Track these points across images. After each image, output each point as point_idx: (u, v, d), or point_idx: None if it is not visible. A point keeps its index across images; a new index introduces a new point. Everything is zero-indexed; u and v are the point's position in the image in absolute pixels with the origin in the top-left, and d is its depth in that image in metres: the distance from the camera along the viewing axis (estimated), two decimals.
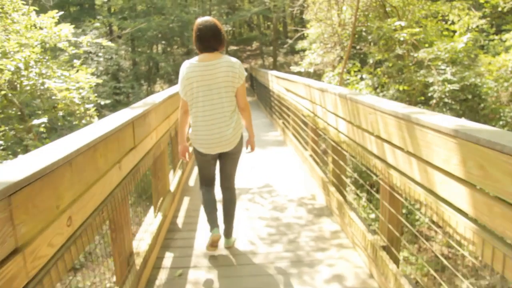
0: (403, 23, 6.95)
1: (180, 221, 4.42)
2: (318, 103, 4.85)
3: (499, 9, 9.21)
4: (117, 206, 2.45)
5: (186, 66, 3.16)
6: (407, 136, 2.37)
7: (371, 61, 7.57)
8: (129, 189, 2.73)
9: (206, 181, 3.56)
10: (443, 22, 9.44)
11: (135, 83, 14.43)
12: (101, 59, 14.70)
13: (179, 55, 23.64)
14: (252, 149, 3.58)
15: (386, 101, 2.91)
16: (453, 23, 9.36)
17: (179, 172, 5.46)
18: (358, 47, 8.92)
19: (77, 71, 7.00)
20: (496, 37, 10.23)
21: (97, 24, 15.08)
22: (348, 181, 4.33)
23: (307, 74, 10.97)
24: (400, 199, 2.80)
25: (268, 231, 4.06)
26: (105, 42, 8.23)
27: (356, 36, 8.55)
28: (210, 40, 3.13)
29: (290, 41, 33.07)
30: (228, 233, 3.66)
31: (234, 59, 3.20)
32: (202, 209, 4.31)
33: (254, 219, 4.40)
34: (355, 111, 3.36)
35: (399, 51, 7.07)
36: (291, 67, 9.43)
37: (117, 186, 2.48)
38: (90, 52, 14.76)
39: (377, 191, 4.00)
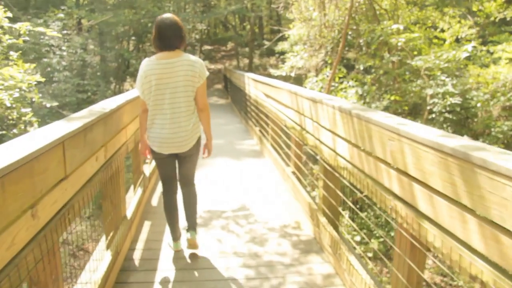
0: (401, 27, 6.32)
1: (137, 256, 3.58)
2: (307, 115, 4.11)
3: (492, 18, 8.74)
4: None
5: (145, 64, 3.06)
6: (461, 182, 1.64)
7: (360, 67, 6.88)
8: (55, 238, 1.91)
9: (164, 180, 3.47)
10: (432, 29, 8.89)
11: (101, 81, 13.35)
12: (65, 53, 13.59)
13: (151, 53, 22.59)
14: (209, 153, 3.46)
15: (415, 125, 2.17)
16: (442, 31, 8.83)
17: (139, 191, 4.64)
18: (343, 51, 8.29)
19: (15, 65, 5.96)
20: (484, 47, 9.77)
21: (61, 15, 13.95)
22: (346, 215, 3.59)
23: (284, 78, 10.26)
24: (432, 260, 2.07)
25: (245, 274, 3.27)
26: (49, 32, 6.99)
27: (340, 39, 7.89)
28: (170, 38, 3.05)
29: (267, 43, 32.45)
30: (192, 226, 3.51)
31: (194, 58, 3.10)
32: (165, 235, 3.93)
33: (228, 255, 3.60)
34: (364, 132, 2.61)
35: (393, 57, 6.43)
36: (270, 70, 8.70)
37: (32, 239, 1.66)
38: (52, 45, 13.62)
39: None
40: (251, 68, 23.60)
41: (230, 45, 34.69)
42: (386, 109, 6.14)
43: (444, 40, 8.42)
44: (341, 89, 6.88)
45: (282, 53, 12.67)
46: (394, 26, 6.27)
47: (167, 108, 3.04)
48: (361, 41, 7.04)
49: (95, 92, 12.85)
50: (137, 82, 3.13)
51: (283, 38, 10.56)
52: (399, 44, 6.24)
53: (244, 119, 10.62)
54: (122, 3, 15.33)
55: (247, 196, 5.13)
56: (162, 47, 3.07)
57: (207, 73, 3.17)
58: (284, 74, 8.21)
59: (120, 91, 19.10)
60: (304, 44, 7.90)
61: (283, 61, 28.86)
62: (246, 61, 29.63)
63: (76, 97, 12.63)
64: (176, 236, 3.58)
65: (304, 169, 4.99)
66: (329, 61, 7.77)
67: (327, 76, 7.56)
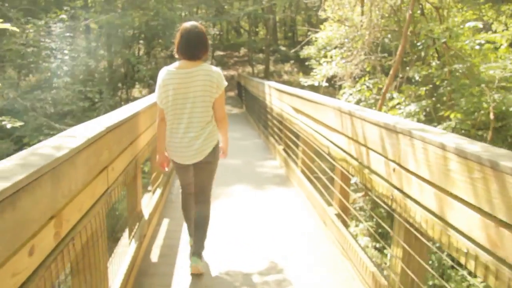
0: (480, 24, 5.06)
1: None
2: (375, 148, 2.82)
3: None
4: None
5: (164, 73, 3.09)
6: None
7: (416, 76, 5.55)
8: None
9: (183, 185, 3.53)
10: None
11: (104, 88, 12.18)
12: (66, 57, 12.47)
13: (161, 58, 21.47)
14: (225, 154, 3.42)
15: None
16: (494, 32, 7.48)
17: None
18: (374, 57, 6.96)
19: None
20: None
21: (63, 16, 12.84)
22: None
23: (310, 89, 9.00)
24: None
25: None
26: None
27: (378, 43, 6.58)
28: (196, 48, 3.06)
29: (283, 48, 31.30)
30: (197, 251, 3.33)
31: (213, 68, 3.10)
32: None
33: None
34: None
35: (457, 65, 5.12)
36: (300, 79, 7.41)
37: None
38: (53, 49, 12.50)
39: None
40: (267, 75, 22.37)
41: (243, 51, 33.61)
42: (453, 130, 4.86)
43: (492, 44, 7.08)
44: (394, 106, 5.55)
45: (303, 60, 11.40)
46: (470, 24, 4.97)
47: (184, 118, 3.05)
48: (419, 44, 5.73)
49: (98, 100, 11.67)
50: (156, 91, 3.17)
51: (306, 43, 9.24)
52: (477, 47, 4.96)
53: (263, 134, 9.34)
54: (130, 4, 14.16)
55: (277, 249, 3.84)
56: (186, 57, 3.07)
57: (226, 83, 3.12)
58: (316, 84, 6.95)
59: (128, 98, 17.97)
60: (340, 48, 6.62)
61: (303, 69, 27.42)
62: (260, 67, 28.45)
63: (77, 105, 11.48)
64: (192, 234, 3.59)
65: (356, 213, 3.70)
66: (368, 68, 6.49)
67: (368, 86, 6.27)
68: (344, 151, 3.55)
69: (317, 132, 4.45)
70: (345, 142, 3.52)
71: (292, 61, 29.07)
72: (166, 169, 3.40)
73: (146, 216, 3.91)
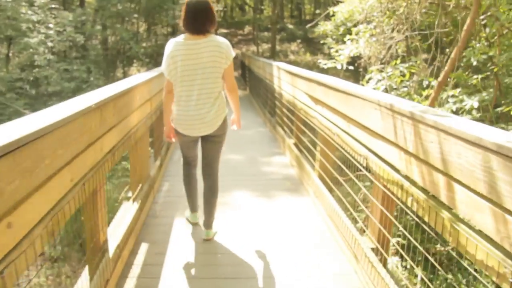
0: None
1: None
2: (459, 177, 1.67)
3: None
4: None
5: (172, 44, 3.04)
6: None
7: (474, 62, 4.30)
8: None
9: (187, 161, 3.50)
10: None
11: (93, 66, 10.96)
12: (51, 31, 11.25)
13: (162, 35, 20.15)
14: (238, 126, 3.48)
15: None
16: None
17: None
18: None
19: None
20: None
21: None
22: None
23: (326, 72, 7.77)
24: None
25: None
26: None
27: (415, 18, 5.34)
28: (204, 23, 2.99)
29: (291, 26, 29.81)
30: (207, 224, 3.50)
31: (221, 39, 3.07)
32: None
33: None
34: None
35: None
36: (319, 61, 6.19)
37: None
38: (36, 22, 11.27)
39: None
40: (273, 55, 21.03)
41: (247, 29, 32.22)
42: None
43: None
44: (448, 97, 4.32)
45: (310, 39, 10.14)
46: None
47: (193, 90, 3.03)
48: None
49: (85, 80, 10.48)
50: (162, 63, 3.09)
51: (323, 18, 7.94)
52: None
53: (270, 122, 8.18)
54: None
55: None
56: (193, 31, 3.01)
57: (234, 54, 3.10)
58: (339, 67, 5.73)
59: (125, 78, 16.75)
60: (368, 23, 5.38)
61: (310, 49, 25.97)
62: (265, 46, 27.08)
63: (62, 86, 10.30)
64: (194, 208, 3.69)
65: (403, 253, 2.58)
66: (400, 50, 5.28)
67: (401, 71, 5.06)
68: (395, 169, 2.41)
69: (347, 134, 3.29)
70: (397, 156, 2.37)
71: (299, 41, 27.72)
72: (173, 140, 3.35)
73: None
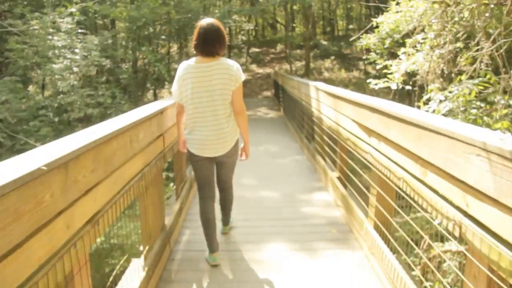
0: None
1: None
2: None
3: None
4: None
5: (183, 68, 3.14)
6: None
7: None
8: None
9: (201, 184, 3.42)
10: None
11: (118, 91, 10.42)
12: (78, 56, 10.83)
13: (195, 55, 19.68)
14: (247, 157, 3.46)
15: None
16: None
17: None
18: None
19: None
20: None
21: (73, 10, 11.21)
22: None
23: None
24: None
25: None
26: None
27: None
28: (214, 46, 3.07)
29: (325, 43, 28.98)
30: (225, 221, 3.94)
31: (231, 62, 3.15)
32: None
33: None
34: None
35: None
36: (372, 82, 5.27)
37: None
38: (62, 47, 10.89)
39: None
40: (307, 73, 20.20)
41: (279, 47, 31.63)
42: None
43: None
44: None
45: (344, 55, 9.21)
46: None
47: (206, 111, 3.08)
48: None
49: (109, 106, 9.93)
50: (174, 84, 3.20)
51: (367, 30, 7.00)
52: None
53: (307, 148, 7.28)
54: None
55: None
56: (204, 53, 3.08)
57: (244, 77, 3.17)
58: (394, 87, 4.79)
59: (155, 100, 16.25)
60: (426, 34, 4.45)
61: (345, 65, 25.00)
62: (298, 64, 26.33)
63: (86, 113, 9.78)
64: (213, 248, 3.41)
65: None
66: (465, 62, 4.30)
67: (470, 90, 4.09)
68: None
69: (422, 183, 2.38)
70: None
71: (332, 57, 26.83)
72: (185, 150, 3.39)
73: None
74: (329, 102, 5.13)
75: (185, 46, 21.56)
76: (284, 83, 12.78)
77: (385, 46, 6.05)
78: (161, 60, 12.49)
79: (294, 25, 33.39)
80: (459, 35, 4.07)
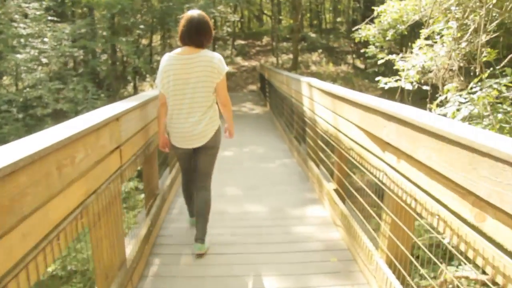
0: None
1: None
2: None
3: None
4: None
5: (166, 59, 3.16)
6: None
7: None
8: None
9: (184, 171, 3.62)
10: None
11: (91, 85, 9.52)
12: (47, 46, 9.91)
13: (178, 47, 18.76)
14: (230, 135, 3.54)
15: None
16: None
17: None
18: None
19: None
20: None
21: None
22: None
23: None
24: None
25: None
26: None
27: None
28: (200, 37, 3.12)
29: (313, 35, 28.22)
30: (199, 237, 3.38)
31: (214, 54, 3.17)
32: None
33: None
34: None
35: None
36: (382, 80, 4.55)
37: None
38: (30, 35, 9.95)
39: None
40: (295, 66, 19.44)
41: (266, 39, 30.78)
42: None
43: None
44: None
45: (331, 48, 8.51)
46: None
47: (184, 103, 3.12)
48: None
49: (80, 101, 9.06)
50: (157, 76, 3.23)
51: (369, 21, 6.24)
52: None
53: (297, 151, 6.56)
54: None
55: None
56: (189, 44, 3.11)
57: (227, 68, 3.19)
58: (410, 87, 4.08)
59: (133, 94, 15.35)
60: (447, 21, 3.74)
61: (332, 58, 24.31)
62: (285, 57, 25.55)
63: (54, 109, 8.90)
64: (192, 213, 3.82)
65: None
66: (489, 57, 3.62)
67: (497, 90, 3.41)
68: None
69: (473, 228, 1.67)
70: None
71: (320, 50, 26.11)
72: (167, 149, 3.45)
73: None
74: (325, 102, 4.40)
75: (168, 37, 20.63)
76: (270, 77, 12.04)
77: (387, 38, 5.34)
78: (139, 52, 11.58)
79: (280, 17, 32.61)
80: (487, 23, 3.36)
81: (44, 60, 9.77)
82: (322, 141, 4.92)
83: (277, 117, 10.24)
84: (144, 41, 20.22)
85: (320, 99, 4.68)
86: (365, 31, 5.72)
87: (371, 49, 5.86)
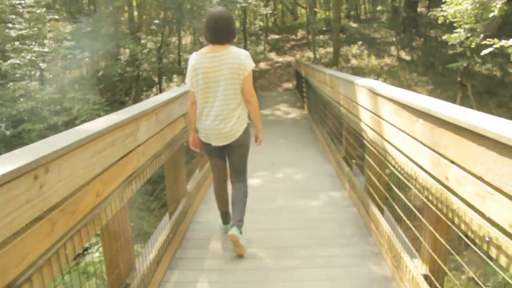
0: None
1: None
2: None
3: None
4: None
5: (194, 58, 3.20)
6: None
7: None
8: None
9: (214, 169, 3.58)
10: None
11: (92, 94, 7.95)
12: (46, 48, 8.46)
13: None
14: (259, 142, 3.47)
15: None
16: None
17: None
18: None
19: None
20: None
21: None
22: None
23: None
24: None
25: None
26: None
27: None
28: (223, 33, 3.14)
29: (354, 25, 25.97)
30: (235, 221, 3.30)
31: (240, 50, 3.20)
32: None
33: None
34: None
35: None
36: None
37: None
38: (26, 37, 8.56)
39: None
40: (337, 61, 17.45)
41: (300, 33, 28.77)
42: None
43: None
44: None
45: (372, 39, 6.58)
46: None
47: (213, 101, 3.14)
48: None
49: (79, 113, 7.53)
50: (187, 75, 3.26)
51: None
52: None
53: (349, 182, 4.70)
54: None
55: None
56: (213, 41, 3.14)
57: (253, 64, 3.20)
58: None
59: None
60: None
61: (374, 51, 22.09)
62: (322, 51, 23.48)
63: (48, 123, 7.40)
64: (226, 221, 3.75)
65: None
66: None
67: None
68: None
69: None
70: None
71: (359, 42, 23.88)
72: (198, 149, 3.48)
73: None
74: (407, 125, 2.57)
75: (198, 35, 19.10)
76: (308, 75, 10.17)
77: (493, 13, 3.41)
78: (155, 52, 9.95)
79: (315, 9, 30.58)
80: None
81: (42, 65, 8.32)
82: (392, 179, 3.10)
83: (317, 124, 8.37)
84: (172, 39, 18.79)
85: (395, 118, 2.84)
86: (453, 6, 3.81)
87: (458, 33, 3.94)
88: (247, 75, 3.12)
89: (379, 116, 3.28)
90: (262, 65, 22.23)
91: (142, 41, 12.19)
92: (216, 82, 3.09)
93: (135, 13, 14.31)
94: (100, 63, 10.14)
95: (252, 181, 4.81)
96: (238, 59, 3.08)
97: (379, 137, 3.31)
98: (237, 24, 22.67)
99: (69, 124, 7.29)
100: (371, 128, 3.54)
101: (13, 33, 7.88)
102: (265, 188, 5.09)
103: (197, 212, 4.33)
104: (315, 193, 4.83)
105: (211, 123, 3.16)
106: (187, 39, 23.61)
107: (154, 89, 16.61)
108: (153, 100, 3.44)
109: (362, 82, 3.90)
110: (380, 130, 3.25)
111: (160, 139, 3.14)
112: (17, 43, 8.29)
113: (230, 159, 3.42)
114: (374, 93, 3.37)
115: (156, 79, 16.71)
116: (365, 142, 3.83)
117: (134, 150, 2.46)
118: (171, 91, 4.41)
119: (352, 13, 31.87)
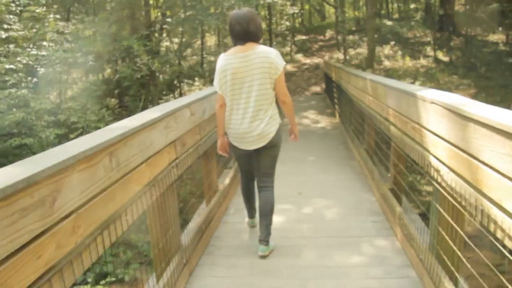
0: None
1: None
2: None
3: None
4: None
5: (221, 59, 3.13)
6: None
7: None
8: None
9: (242, 171, 3.58)
10: None
11: (90, 103, 6.93)
12: (44, 52, 7.56)
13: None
14: (296, 137, 3.44)
15: None
16: None
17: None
18: None
19: None
20: None
21: None
22: None
23: None
24: None
25: None
26: None
27: None
28: (248, 34, 3.08)
29: (389, 23, 24.52)
30: (262, 238, 3.30)
31: (270, 49, 3.12)
32: None
33: None
34: None
35: None
36: None
37: None
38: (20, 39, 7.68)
39: None
40: (372, 63, 16.12)
41: (329, 33, 27.41)
42: None
43: None
44: None
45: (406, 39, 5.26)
46: None
47: (243, 103, 3.08)
48: None
49: (74, 126, 6.54)
50: (215, 77, 3.19)
51: None
52: None
53: (400, 225, 3.47)
54: None
55: None
56: (237, 42, 3.10)
57: (284, 63, 3.12)
58: None
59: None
60: None
61: (408, 51, 20.54)
62: (352, 52, 22.07)
63: (39, 137, 6.42)
64: (252, 215, 3.82)
65: None
66: None
67: None
68: None
69: None
70: None
71: (392, 42, 22.35)
72: (226, 154, 3.42)
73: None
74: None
75: (222, 36, 18.15)
76: (341, 79, 8.92)
77: None
78: (165, 55, 8.90)
79: (344, 8, 29.22)
80: None
81: (40, 70, 7.39)
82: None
83: (352, 139, 7.09)
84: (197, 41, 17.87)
85: (499, 158, 1.64)
86: None
87: None
88: (280, 74, 3.05)
89: (466, 153, 2.06)
90: (289, 67, 21.02)
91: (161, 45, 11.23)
92: (245, 83, 3.03)
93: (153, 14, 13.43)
94: (116, 66, 9.18)
95: (274, 219, 3.60)
96: (268, 57, 3.02)
97: (466, 184, 2.09)
98: (263, 25, 21.58)
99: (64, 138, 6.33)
100: (450, 168, 2.31)
101: (3, 35, 6.98)
102: (289, 232, 3.85)
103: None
104: (355, 241, 3.59)
105: (241, 126, 3.10)
106: (211, 40, 22.64)
107: (175, 93, 15.66)
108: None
109: (432, 95, 2.66)
110: (471, 175, 2.02)
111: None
112: (11, 45, 7.41)
113: (260, 161, 3.31)
114: (458, 115, 2.15)
115: (176, 82, 15.80)
116: (435, 185, 2.60)
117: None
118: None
119: (383, 12, 30.41)
